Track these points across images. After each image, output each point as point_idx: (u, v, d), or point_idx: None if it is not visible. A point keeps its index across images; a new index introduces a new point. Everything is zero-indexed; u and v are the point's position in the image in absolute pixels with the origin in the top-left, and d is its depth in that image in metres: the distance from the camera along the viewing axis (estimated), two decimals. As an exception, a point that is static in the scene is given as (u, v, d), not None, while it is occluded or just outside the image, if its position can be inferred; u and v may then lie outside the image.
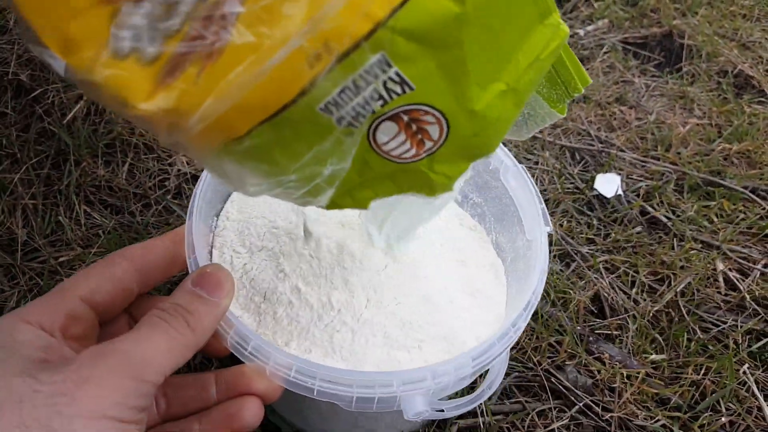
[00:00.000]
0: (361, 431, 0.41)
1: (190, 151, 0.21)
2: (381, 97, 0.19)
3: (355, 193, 0.24)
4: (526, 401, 0.46)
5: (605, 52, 0.82)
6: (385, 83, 0.18)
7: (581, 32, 0.86)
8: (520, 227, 0.40)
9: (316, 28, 0.16)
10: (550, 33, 0.19)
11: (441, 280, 0.38)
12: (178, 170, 0.59)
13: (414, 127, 0.20)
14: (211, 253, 0.39)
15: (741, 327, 0.51)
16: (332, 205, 0.24)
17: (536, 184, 0.63)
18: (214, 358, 0.45)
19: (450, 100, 0.19)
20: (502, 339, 0.32)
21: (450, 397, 0.35)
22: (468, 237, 0.43)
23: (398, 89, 0.19)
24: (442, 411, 0.31)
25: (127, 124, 0.62)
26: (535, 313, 0.50)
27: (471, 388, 0.42)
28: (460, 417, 0.44)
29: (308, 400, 0.30)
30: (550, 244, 0.57)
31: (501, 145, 0.41)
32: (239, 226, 0.40)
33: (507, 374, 0.47)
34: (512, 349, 0.48)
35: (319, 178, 0.21)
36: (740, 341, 0.50)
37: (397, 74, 0.18)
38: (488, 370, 0.34)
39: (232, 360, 0.32)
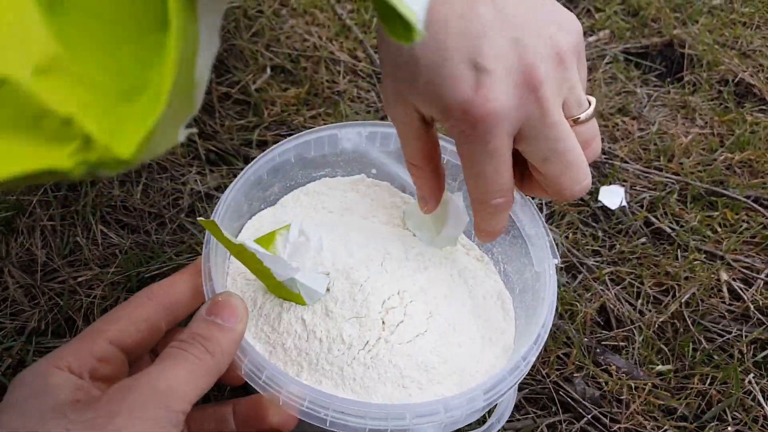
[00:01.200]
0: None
1: None
2: None
3: None
4: (536, 414, 0.47)
5: (607, 63, 0.83)
6: None
7: (583, 43, 0.87)
8: (528, 259, 0.41)
9: None
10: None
11: (452, 313, 0.39)
12: (191, 189, 0.61)
13: None
14: (226, 277, 0.40)
15: (746, 337, 0.52)
16: None
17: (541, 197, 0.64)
18: (230, 386, 0.46)
19: None
20: (513, 372, 0.33)
21: (459, 431, 0.36)
22: (475, 268, 0.44)
23: None
24: None
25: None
26: (543, 325, 0.51)
27: (481, 420, 0.43)
28: None
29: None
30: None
31: None
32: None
33: (518, 388, 0.48)
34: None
35: None
36: (745, 351, 0.51)
37: None
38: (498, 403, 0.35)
39: (245, 390, 0.34)
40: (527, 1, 0.31)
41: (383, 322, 0.36)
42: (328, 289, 0.37)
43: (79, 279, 0.53)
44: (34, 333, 0.49)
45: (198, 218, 0.42)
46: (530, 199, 0.42)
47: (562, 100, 0.31)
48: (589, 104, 0.34)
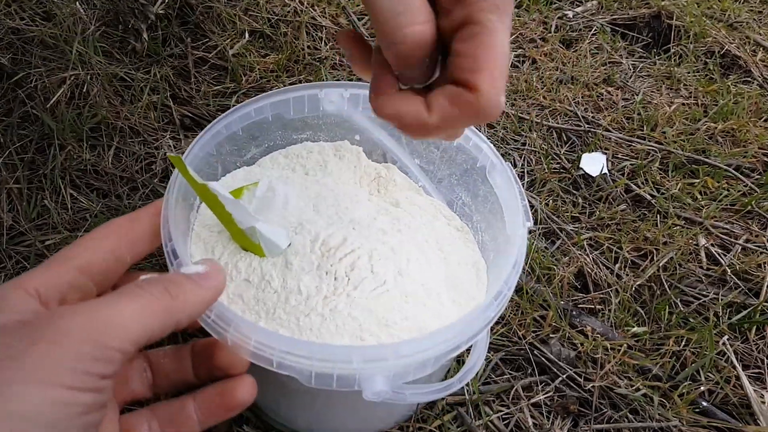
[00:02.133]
0: (354, 425, 0.42)
1: None
2: None
3: None
4: (512, 376, 0.46)
5: (593, 34, 0.82)
6: None
7: (570, 14, 0.86)
8: (503, 224, 0.41)
9: None
10: None
11: (421, 275, 0.38)
12: (165, 153, 0.59)
13: None
14: (191, 231, 0.39)
15: (721, 300, 0.52)
16: None
17: (523, 164, 0.63)
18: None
19: None
20: (470, 324, 0.32)
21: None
22: (453, 236, 0.44)
23: None
24: (404, 395, 0.32)
25: (112, 107, 0.62)
26: (521, 289, 0.51)
27: (449, 375, 0.42)
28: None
29: (297, 396, 0.31)
30: (537, 222, 0.57)
31: (489, 143, 0.42)
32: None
33: (494, 350, 0.48)
34: (497, 323, 0.49)
35: None
36: (721, 314, 0.51)
37: None
38: (464, 363, 0.34)
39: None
40: None
41: (348, 278, 0.35)
42: (289, 245, 0.37)
43: (47, 242, 0.52)
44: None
45: (167, 153, 0.41)
46: (509, 165, 0.41)
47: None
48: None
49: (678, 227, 0.58)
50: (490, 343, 0.48)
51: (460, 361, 0.45)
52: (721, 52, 0.80)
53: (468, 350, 0.37)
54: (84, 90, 0.62)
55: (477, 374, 0.46)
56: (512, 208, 0.40)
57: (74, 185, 0.57)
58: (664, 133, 0.68)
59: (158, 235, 0.32)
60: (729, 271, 0.54)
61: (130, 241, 0.31)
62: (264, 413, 0.44)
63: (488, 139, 0.65)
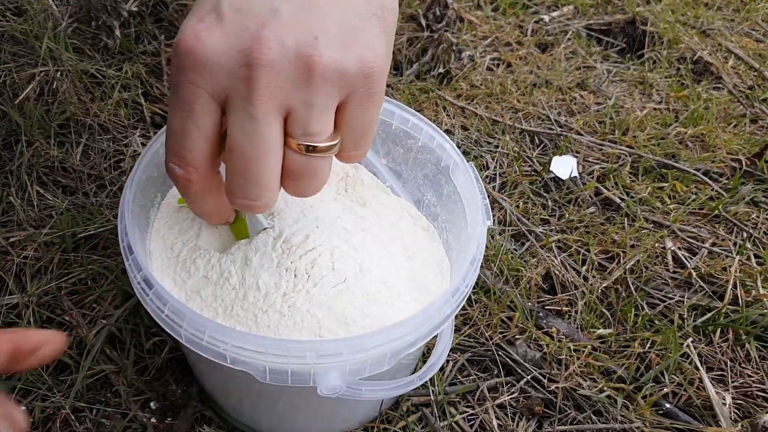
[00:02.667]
0: (317, 425, 0.41)
1: None
2: None
3: None
4: (478, 376, 0.46)
5: (569, 38, 0.83)
6: None
7: (546, 18, 0.87)
8: (465, 222, 0.41)
9: None
10: None
11: (384, 274, 0.38)
12: (134, 151, 0.59)
13: None
14: (150, 227, 0.39)
15: (687, 302, 0.52)
16: None
17: (496, 167, 0.64)
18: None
19: None
20: (427, 319, 0.32)
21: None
22: (419, 236, 0.44)
23: None
24: (360, 391, 0.32)
25: (82, 104, 0.61)
26: (488, 290, 0.51)
27: (412, 370, 0.42)
28: (413, 393, 0.45)
29: (260, 397, 0.30)
30: (506, 224, 0.58)
31: (452, 143, 0.43)
32: (178, 203, 0.40)
33: (461, 351, 0.48)
34: (464, 324, 0.49)
35: None
36: (686, 316, 0.51)
37: None
38: (425, 360, 0.34)
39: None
40: (342, 2, 0.27)
41: (308, 275, 0.35)
42: (265, 228, 0.37)
43: (12, 239, 0.51)
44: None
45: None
46: (471, 164, 0.41)
47: (282, 107, 0.27)
48: (328, 149, 0.29)
49: (646, 230, 0.58)
50: (457, 344, 0.48)
51: (426, 360, 0.45)
52: (694, 59, 0.82)
53: (431, 348, 0.37)
54: (53, 86, 0.61)
55: (443, 374, 0.46)
56: (473, 207, 0.40)
57: (41, 182, 0.56)
58: (635, 137, 0.69)
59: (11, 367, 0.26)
60: (695, 274, 0.55)
61: None
62: (228, 414, 0.43)
63: (462, 141, 0.66)
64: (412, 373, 0.44)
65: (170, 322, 0.31)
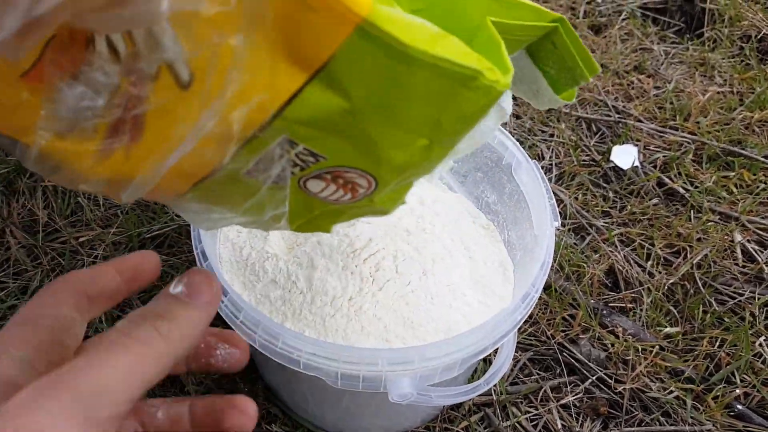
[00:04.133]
0: (380, 423, 0.42)
1: (151, 198, 0.22)
2: (297, 164, 0.20)
3: (316, 223, 0.25)
4: (540, 376, 0.46)
5: (623, 19, 0.80)
6: (297, 155, 0.20)
7: (598, -2, 0.83)
8: (530, 223, 0.40)
9: (219, 115, 0.17)
10: (480, 95, 0.19)
11: (447, 276, 0.38)
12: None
13: (341, 180, 0.21)
14: (219, 231, 0.39)
15: (758, 299, 0.50)
16: (300, 229, 0.25)
17: (551, 157, 0.62)
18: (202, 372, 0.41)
19: (367, 162, 0.20)
20: (497, 327, 0.32)
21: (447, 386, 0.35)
22: (479, 235, 0.43)
23: (311, 159, 0.20)
24: (430, 397, 0.32)
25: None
26: (549, 287, 0.50)
27: (475, 376, 0.42)
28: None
29: (325, 393, 0.31)
30: (566, 218, 0.56)
31: (514, 140, 0.42)
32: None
33: (522, 349, 0.47)
34: (525, 323, 0.49)
35: (264, 217, 0.23)
36: (757, 313, 0.49)
37: (306, 149, 0.20)
38: (491, 363, 0.34)
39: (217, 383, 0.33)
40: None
41: (372, 279, 0.35)
42: None
43: (81, 239, 0.53)
44: (36, 293, 0.49)
45: None
46: (535, 162, 0.40)
47: None
48: None
49: (712, 222, 0.56)
50: (519, 342, 0.48)
51: (487, 360, 0.45)
52: (758, 37, 0.77)
53: (495, 351, 0.36)
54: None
55: (504, 375, 0.46)
56: (539, 207, 0.39)
57: (104, 182, 0.57)
58: (697, 123, 0.66)
59: (121, 292, 0.27)
60: (766, 268, 0.52)
61: (89, 297, 0.26)
62: (292, 411, 0.44)
63: (515, 130, 0.64)
64: (473, 374, 0.44)
65: (245, 329, 0.31)
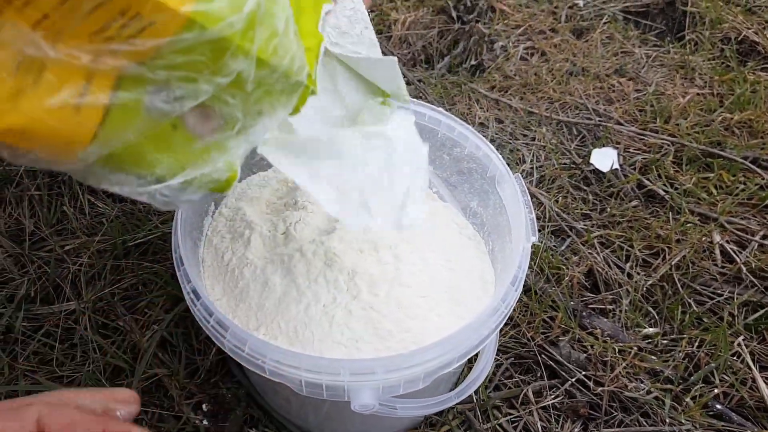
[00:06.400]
0: (364, 429, 0.42)
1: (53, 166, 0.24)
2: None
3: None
4: (521, 379, 0.46)
5: (605, 23, 0.81)
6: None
7: (580, 2, 0.84)
8: (510, 236, 0.40)
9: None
10: None
11: (424, 287, 0.38)
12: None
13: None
14: (204, 236, 0.40)
15: (737, 299, 0.51)
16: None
17: (533, 160, 0.63)
18: None
19: None
20: (464, 340, 0.32)
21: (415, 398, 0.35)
22: (463, 246, 0.44)
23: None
24: (395, 408, 0.32)
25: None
26: (529, 289, 0.51)
27: (453, 385, 0.42)
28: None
29: (307, 397, 0.31)
30: (546, 219, 0.57)
31: (497, 153, 0.42)
32: (231, 214, 0.41)
33: (503, 352, 0.48)
34: (506, 325, 0.49)
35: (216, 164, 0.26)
36: (736, 313, 0.50)
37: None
38: (470, 368, 0.34)
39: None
40: None
41: (347, 288, 0.36)
42: None
43: (67, 247, 0.53)
44: (23, 300, 0.49)
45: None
46: (518, 176, 0.41)
47: None
48: None
49: (691, 224, 0.57)
50: (500, 345, 0.48)
51: (473, 360, 0.45)
52: (739, 39, 0.78)
53: (475, 356, 0.37)
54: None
55: (485, 378, 0.46)
56: (518, 221, 0.39)
57: (91, 191, 0.58)
58: (677, 125, 0.67)
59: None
60: (745, 268, 0.53)
61: None
62: (276, 412, 0.45)
63: (497, 134, 0.65)
64: (455, 385, 0.44)
65: (215, 333, 0.32)
